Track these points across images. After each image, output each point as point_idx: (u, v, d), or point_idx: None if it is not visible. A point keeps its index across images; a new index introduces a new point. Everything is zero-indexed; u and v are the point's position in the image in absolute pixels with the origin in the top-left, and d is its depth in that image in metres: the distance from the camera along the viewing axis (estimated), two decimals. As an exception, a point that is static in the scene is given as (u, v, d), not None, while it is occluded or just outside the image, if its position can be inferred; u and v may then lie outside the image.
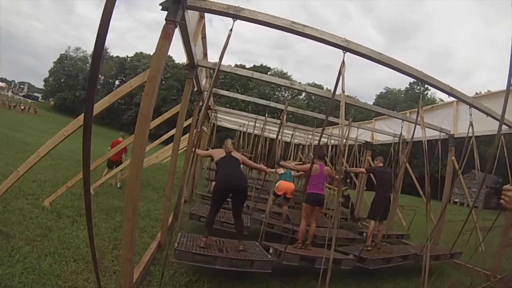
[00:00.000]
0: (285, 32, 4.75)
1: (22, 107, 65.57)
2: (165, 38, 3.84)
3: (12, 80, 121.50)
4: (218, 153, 6.25)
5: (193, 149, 6.00)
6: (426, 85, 8.71)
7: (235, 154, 6.32)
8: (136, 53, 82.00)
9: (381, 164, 8.69)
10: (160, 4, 3.95)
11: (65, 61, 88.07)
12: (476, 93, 14.02)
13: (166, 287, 4.80)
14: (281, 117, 8.76)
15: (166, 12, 3.93)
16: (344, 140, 5.78)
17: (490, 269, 7.56)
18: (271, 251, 6.02)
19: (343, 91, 5.02)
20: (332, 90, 5.28)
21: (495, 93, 8.82)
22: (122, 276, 4.04)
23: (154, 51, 3.89)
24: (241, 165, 6.38)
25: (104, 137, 13.63)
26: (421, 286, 5.49)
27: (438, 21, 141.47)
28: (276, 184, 8.91)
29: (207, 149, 9.63)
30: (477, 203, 19.28)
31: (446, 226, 8.78)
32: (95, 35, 2.00)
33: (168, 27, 3.88)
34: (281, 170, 8.55)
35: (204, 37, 7.01)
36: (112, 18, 2.02)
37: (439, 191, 9.46)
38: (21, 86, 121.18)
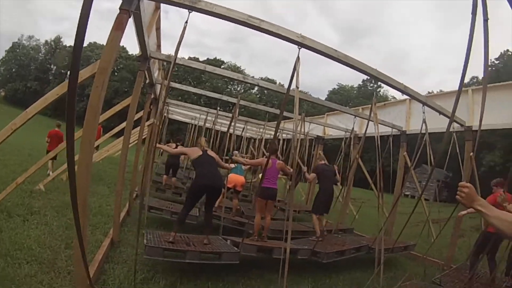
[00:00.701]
0: (241, 26, 4.70)
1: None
2: (118, 28, 3.70)
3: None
4: (194, 152, 6.34)
5: (153, 143, 5.93)
6: (379, 83, 8.96)
7: (210, 152, 6.48)
8: (90, 43, 78.84)
9: (323, 162, 9.00)
10: (115, -8, 3.78)
11: (18, 50, 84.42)
12: (429, 92, 14.60)
13: (121, 286, 4.66)
14: (233, 111, 8.77)
15: (120, 1, 3.79)
16: (298, 135, 5.84)
17: (443, 259, 7.84)
18: (229, 243, 6.11)
19: (297, 87, 5.05)
20: (284, 85, 5.32)
21: (448, 93, 9.26)
22: (76, 276, 3.93)
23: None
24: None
25: (50, 128, 13.16)
26: (376, 277, 5.59)
27: (395, 23, 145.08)
28: (227, 177, 8.86)
29: (165, 144, 9.49)
30: (428, 196, 19.98)
31: (398, 218, 9.03)
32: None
33: (122, 17, 3.74)
34: (232, 164, 8.48)
35: (158, 28, 6.92)
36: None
37: (391, 185, 9.74)
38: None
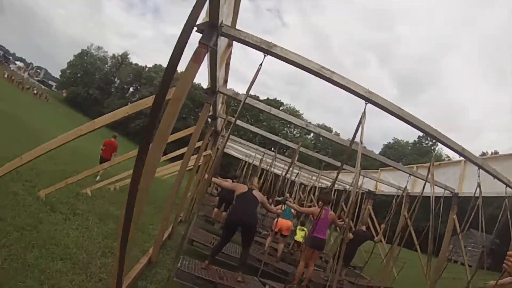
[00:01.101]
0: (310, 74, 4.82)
1: (35, 91, 65.98)
2: (196, 61, 3.85)
3: (30, 63, 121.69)
4: (241, 188, 6.49)
5: (209, 176, 6.08)
6: (434, 141, 8.79)
7: (256, 193, 6.52)
8: (155, 64, 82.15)
9: (363, 228, 9.50)
10: (196, 26, 3.92)
11: (85, 57, 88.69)
12: (483, 152, 14.18)
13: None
14: (292, 156, 8.81)
15: (199, 35, 3.95)
16: (357, 190, 5.86)
17: None
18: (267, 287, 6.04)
19: (361, 142, 5.06)
20: (341, 134, 5.39)
21: (504, 156, 8.88)
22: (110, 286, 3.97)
23: (181, 71, 3.92)
24: (258, 205, 6.58)
25: (104, 137, 13.75)
26: None
27: (451, 79, 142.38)
28: (275, 221, 9.08)
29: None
30: (471, 262, 19.08)
31: (439, 283, 8.65)
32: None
33: (201, 51, 3.89)
34: (280, 209, 8.43)
35: (228, 64, 7.09)
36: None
37: (436, 247, 9.36)
38: (38, 70, 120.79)
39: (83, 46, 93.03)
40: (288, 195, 9.40)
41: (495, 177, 7.05)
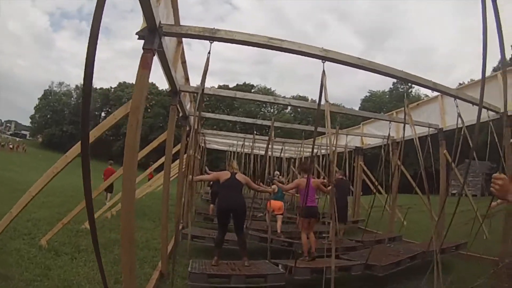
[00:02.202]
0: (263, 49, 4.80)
1: (11, 146, 65.27)
2: (144, 67, 3.81)
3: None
4: (224, 175, 6.69)
5: (190, 176, 6.10)
6: (409, 84, 8.82)
7: (239, 176, 6.75)
8: (120, 83, 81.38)
9: (341, 176, 9.96)
10: (136, 33, 3.92)
11: (50, 97, 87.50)
12: (460, 83, 14.21)
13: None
14: (269, 133, 8.85)
15: (143, 41, 3.90)
16: (333, 149, 5.92)
17: (497, 255, 7.55)
18: (280, 267, 6.03)
19: (327, 101, 5.08)
20: (317, 100, 5.32)
21: (477, 82, 8.90)
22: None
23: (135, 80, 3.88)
24: (243, 187, 6.80)
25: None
26: (432, 282, 5.43)
27: (414, 20, 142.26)
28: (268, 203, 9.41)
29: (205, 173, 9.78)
30: (475, 191, 19.28)
31: (447, 219, 8.74)
32: (78, 68, 1.99)
33: (146, 56, 3.84)
34: (272, 187, 8.65)
35: (184, 62, 7.02)
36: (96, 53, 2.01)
37: (435, 185, 9.57)
38: (8, 124, 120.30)
39: (46, 87, 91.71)
40: (277, 173, 9.48)
41: (473, 103, 7.07)
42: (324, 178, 10.68)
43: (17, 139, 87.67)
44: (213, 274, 5.41)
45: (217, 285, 5.38)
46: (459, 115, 7.32)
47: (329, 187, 7.09)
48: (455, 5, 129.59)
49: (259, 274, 5.70)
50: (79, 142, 5.11)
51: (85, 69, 1.99)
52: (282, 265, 6.05)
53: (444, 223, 8.62)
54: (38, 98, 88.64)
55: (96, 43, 2.05)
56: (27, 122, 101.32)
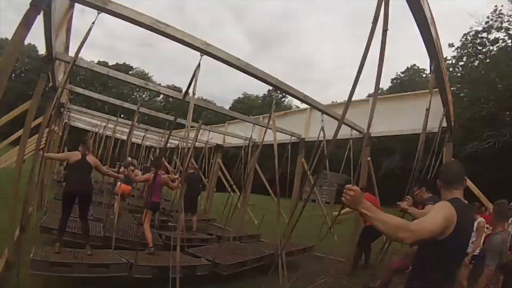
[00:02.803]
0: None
1: None
2: (26, 25, 3.41)
3: None
4: (74, 156, 6.41)
5: (42, 152, 5.61)
6: (283, 93, 9.45)
7: (90, 158, 6.52)
8: (1, 38, 71.36)
9: (192, 170, 10.50)
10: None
11: None
12: (332, 101, 15.49)
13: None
14: (132, 118, 8.75)
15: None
16: (190, 142, 6.06)
17: (344, 256, 8.39)
18: (124, 261, 5.81)
19: (194, 93, 5.18)
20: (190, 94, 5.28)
21: (354, 102, 9.73)
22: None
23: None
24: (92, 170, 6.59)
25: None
26: (278, 280, 5.73)
27: (304, 33, 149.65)
28: (117, 186, 9.60)
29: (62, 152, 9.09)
30: (329, 199, 21.03)
31: (302, 223, 9.26)
32: None
33: (31, 14, 3.46)
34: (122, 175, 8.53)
35: (69, 29, 6.56)
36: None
37: (289, 190, 10.43)
38: None
39: None
40: (135, 161, 9.37)
41: (337, 119, 7.63)
42: (174, 174, 10.85)
43: None
44: (55, 262, 5.06)
45: (59, 274, 5.09)
46: (322, 129, 8.00)
47: (176, 184, 7.88)
48: (346, 29, 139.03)
49: (101, 263, 5.52)
50: None
51: None
52: (124, 259, 5.81)
53: (293, 225, 9.23)
54: None
55: None
56: None
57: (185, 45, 4.87)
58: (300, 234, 7.26)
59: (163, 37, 4.64)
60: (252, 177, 9.20)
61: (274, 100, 10.49)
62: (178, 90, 62.77)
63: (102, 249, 6.41)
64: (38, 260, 4.94)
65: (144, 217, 7.07)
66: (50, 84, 7.39)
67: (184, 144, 15.89)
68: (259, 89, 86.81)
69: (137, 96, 73.62)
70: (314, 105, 7.40)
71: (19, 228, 6.75)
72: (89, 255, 5.72)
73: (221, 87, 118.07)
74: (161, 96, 72.63)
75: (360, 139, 9.27)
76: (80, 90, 11.26)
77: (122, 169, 8.41)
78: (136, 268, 5.47)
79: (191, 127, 13.59)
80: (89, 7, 4.16)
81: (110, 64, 66.06)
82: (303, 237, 6.70)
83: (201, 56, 4.95)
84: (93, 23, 4.29)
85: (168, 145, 16.39)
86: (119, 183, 9.46)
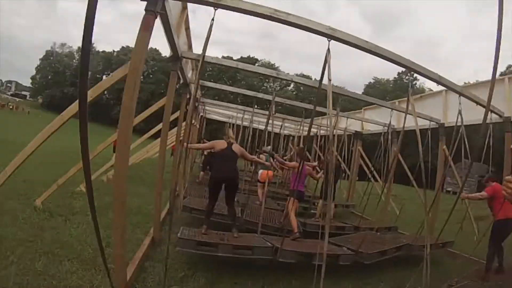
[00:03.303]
0: (271, 22, 4.67)
1: (11, 106, 65.38)
2: (145, 29, 3.75)
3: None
4: (220, 145, 6.65)
5: (185, 144, 6.12)
6: (414, 75, 8.71)
7: (235, 147, 6.69)
8: (123, 47, 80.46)
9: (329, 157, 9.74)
10: (140, -6, 3.82)
11: (51, 58, 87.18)
12: (465, 83, 13.96)
13: (160, 283, 4.70)
14: (269, 108, 8.82)
15: (145, 3, 3.82)
16: (333, 130, 5.87)
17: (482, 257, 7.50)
18: (268, 245, 6.00)
19: (330, 80, 4.96)
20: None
21: (483, 82, 8.74)
22: (116, 274, 3.97)
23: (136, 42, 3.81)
24: (237, 158, 6.73)
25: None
26: (418, 275, 5.36)
27: (423, 11, 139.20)
28: (259, 173, 9.67)
29: (202, 142, 9.76)
30: (469, 192, 19.36)
31: (442, 216, 8.66)
32: (81, 30, 1.94)
33: (148, 18, 3.78)
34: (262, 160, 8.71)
35: (187, 29, 6.92)
36: (96, 11, 1.95)
37: (431, 180, 9.38)
38: (8, 85, 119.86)
39: (47, 48, 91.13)
40: (270, 147, 9.58)
41: (477, 103, 6.95)
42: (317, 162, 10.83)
43: (17, 99, 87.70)
44: (201, 242, 5.44)
45: (204, 252, 5.44)
46: (459, 112, 7.24)
47: (319, 175, 8.16)
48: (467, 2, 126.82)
49: (246, 245, 5.77)
50: (76, 101, 5.11)
51: (85, 23, 1.93)
52: (270, 243, 5.99)
53: (435, 218, 8.63)
54: (39, 59, 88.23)
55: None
56: (27, 82, 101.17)
57: (310, 32, 4.80)
58: (438, 228, 6.82)
59: (284, 27, 4.65)
60: (395, 166, 8.76)
61: (409, 83, 9.80)
62: (307, 77, 62.90)
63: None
64: (185, 238, 5.37)
65: (291, 205, 7.20)
66: (182, 81, 7.89)
67: (323, 131, 16.06)
68: (389, 72, 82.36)
69: (268, 86, 75.46)
70: (450, 87, 6.77)
71: (166, 211, 7.59)
72: (234, 238, 5.98)
73: (348, 72, 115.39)
74: (292, 85, 73.35)
75: (499, 124, 8.21)
76: (212, 85, 11.99)
77: (261, 156, 8.62)
78: (281, 253, 5.56)
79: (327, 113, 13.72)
80: (205, 5, 4.39)
81: (234, 58, 68.69)
82: (443, 232, 6.31)
83: (329, 41, 4.81)
84: (212, 19, 4.37)
85: (306, 132, 16.67)
86: (261, 170, 9.74)
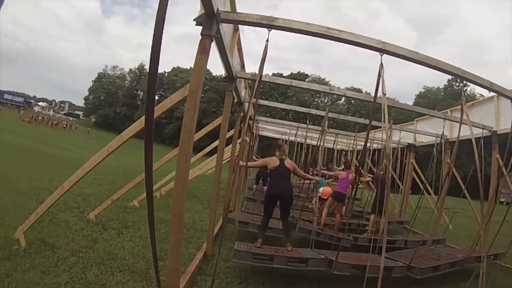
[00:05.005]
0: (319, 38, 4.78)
1: (64, 125, 68.32)
2: (203, 52, 3.90)
3: (53, 100, 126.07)
4: (272, 162, 6.67)
5: (240, 161, 6.19)
6: (465, 81, 8.45)
7: (288, 162, 6.73)
8: (173, 67, 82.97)
9: (381, 172, 10.03)
10: (195, 19, 4.00)
11: (104, 80, 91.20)
12: None
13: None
14: (322, 124, 8.88)
15: (200, 27, 3.99)
16: (389, 144, 5.78)
17: None
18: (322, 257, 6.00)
19: (384, 94, 4.99)
20: (371, 93, 5.25)
21: None
22: (168, 286, 4.09)
23: (192, 66, 3.99)
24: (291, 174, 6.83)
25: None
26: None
27: (468, 12, 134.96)
28: (320, 190, 9.60)
29: (254, 159, 9.99)
30: None
31: (493, 227, 8.31)
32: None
33: (205, 42, 3.93)
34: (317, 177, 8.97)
35: (240, 49, 7.08)
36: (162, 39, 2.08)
37: (484, 191, 8.99)
38: (62, 105, 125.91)
39: (98, 70, 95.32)
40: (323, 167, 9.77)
41: None
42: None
43: (71, 118, 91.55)
44: (257, 254, 5.57)
45: (260, 264, 5.54)
46: None
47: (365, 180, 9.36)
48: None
49: (301, 257, 5.87)
50: (136, 122, 5.36)
51: (151, 49, 2.06)
52: (324, 255, 5.99)
53: (488, 232, 8.26)
54: (92, 81, 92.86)
55: (163, 27, 2.11)
56: (80, 103, 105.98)
57: (361, 47, 4.92)
58: (489, 240, 6.55)
59: (328, 41, 4.78)
60: (449, 178, 8.44)
61: (462, 92, 9.56)
62: (358, 90, 62.23)
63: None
64: (241, 251, 5.49)
65: (328, 204, 8.09)
66: (235, 100, 8.08)
67: (376, 145, 15.97)
68: (438, 80, 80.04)
69: (319, 101, 75.38)
70: (501, 92, 6.59)
71: (219, 226, 7.72)
72: (289, 251, 6.05)
73: (397, 82, 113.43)
74: (343, 99, 72.92)
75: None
76: (265, 102, 12.18)
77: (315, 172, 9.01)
78: (336, 265, 5.58)
79: (380, 127, 13.59)
80: (258, 27, 4.59)
81: (284, 75, 68.93)
82: (496, 244, 6.04)
83: (381, 55, 4.89)
84: (267, 40, 4.52)
85: (359, 147, 16.54)
86: (322, 187, 9.69)
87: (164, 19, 2.12)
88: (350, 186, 10.66)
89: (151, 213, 2.61)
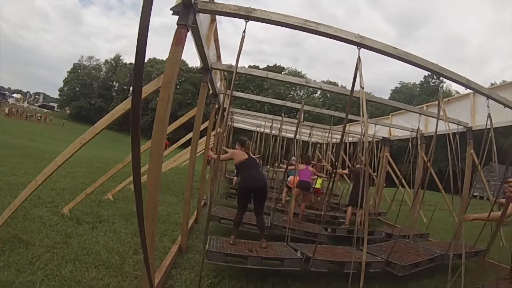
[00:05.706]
0: (297, 30, 4.76)
1: (39, 117, 67.01)
2: (178, 43, 3.83)
3: (27, 91, 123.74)
4: (240, 156, 6.63)
5: (215, 154, 6.15)
6: (441, 78, 8.60)
7: (253, 156, 6.80)
8: (150, 59, 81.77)
9: (358, 165, 10.33)
10: (171, 9, 3.92)
11: (79, 71, 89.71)
12: (491, 84, 13.76)
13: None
14: (297, 117, 8.91)
15: (177, 17, 3.91)
16: (365, 137, 5.82)
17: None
18: (298, 254, 5.95)
19: (362, 88, 5.02)
20: (347, 87, 5.27)
21: (510, 83, 8.64)
22: (143, 281, 4.02)
23: (167, 57, 3.89)
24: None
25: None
26: (445, 284, 5.39)
27: (447, 9, 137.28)
28: (288, 179, 10.35)
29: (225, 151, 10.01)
30: (498, 197, 18.72)
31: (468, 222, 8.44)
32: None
33: (181, 32, 3.86)
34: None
35: (216, 40, 7.04)
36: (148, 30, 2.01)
37: (456, 186, 9.21)
38: (37, 96, 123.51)
39: (75, 61, 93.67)
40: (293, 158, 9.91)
41: (505, 105, 6.90)
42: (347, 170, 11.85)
43: (45, 110, 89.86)
44: (230, 254, 5.42)
45: (233, 264, 5.40)
46: (489, 116, 7.18)
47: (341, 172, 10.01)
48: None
49: (276, 257, 5.71)
50: (108, 113, 5.26)
51: (137, 38, 2.00)
52: (300, 252, 5.95)
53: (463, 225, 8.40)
54: (67, 72, 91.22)
55: (150, 15, 2.05)
56: (55, 94, 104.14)
57: (339, 40, 4.89)
58: (466, 235, 6.61)
59: (307, 35, 4.82)
60: (428, 172, 8.54)
61: (439, 88, 9.76)
62: (334, 84, 62.63)
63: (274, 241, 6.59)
64: (213, 251, 5.31)
65: (295, 194, 8.26)
66: (211, 92, 8.05)
67: (351, 138, 16.16)
68: (414, 75, 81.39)
69: (294, 94, 75.82)
70: (478, 90, 6.73)
71: (193, 219, 7.66)
72: (263, 248, 5.92)
73: (374, 77, 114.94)
74: (318, 92, 73.51)
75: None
76: (241, 94, 12.14)
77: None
78: (313, 262, 5.51)
79: (356, 121, 13.75)
80: (236, 17, 4.55)
81: (261, 67, 69.18)
82: (468, 239, 6.11)
83: (359, 49, 4.88)
84: (244, 31, 4.50)
85: (335, 140, 16.72)
86: (291, 176, 10.28)
87: (151, 7, 2.06)
88: (319, 178, 11.71)
89: (140, 207, 2.53)
